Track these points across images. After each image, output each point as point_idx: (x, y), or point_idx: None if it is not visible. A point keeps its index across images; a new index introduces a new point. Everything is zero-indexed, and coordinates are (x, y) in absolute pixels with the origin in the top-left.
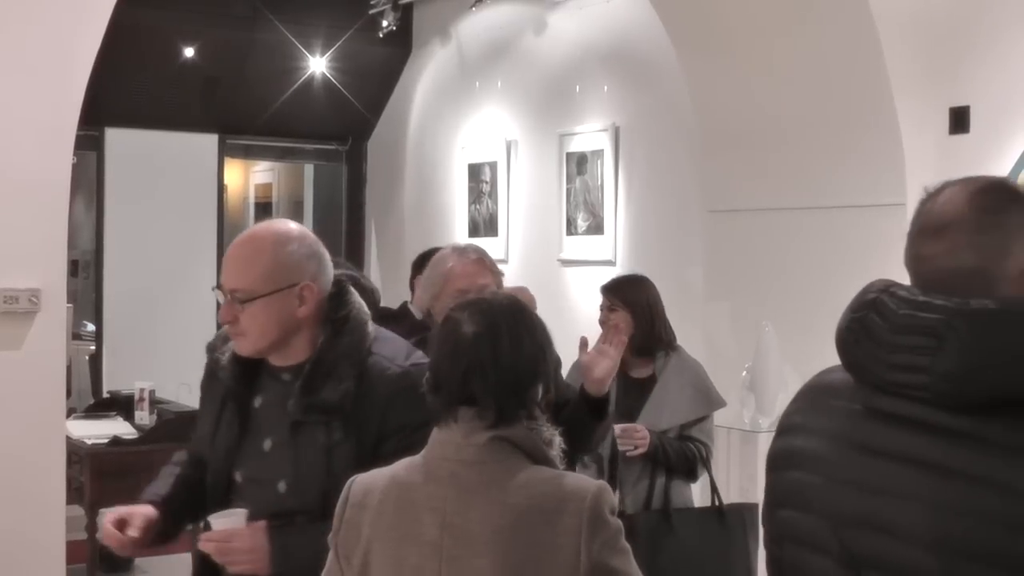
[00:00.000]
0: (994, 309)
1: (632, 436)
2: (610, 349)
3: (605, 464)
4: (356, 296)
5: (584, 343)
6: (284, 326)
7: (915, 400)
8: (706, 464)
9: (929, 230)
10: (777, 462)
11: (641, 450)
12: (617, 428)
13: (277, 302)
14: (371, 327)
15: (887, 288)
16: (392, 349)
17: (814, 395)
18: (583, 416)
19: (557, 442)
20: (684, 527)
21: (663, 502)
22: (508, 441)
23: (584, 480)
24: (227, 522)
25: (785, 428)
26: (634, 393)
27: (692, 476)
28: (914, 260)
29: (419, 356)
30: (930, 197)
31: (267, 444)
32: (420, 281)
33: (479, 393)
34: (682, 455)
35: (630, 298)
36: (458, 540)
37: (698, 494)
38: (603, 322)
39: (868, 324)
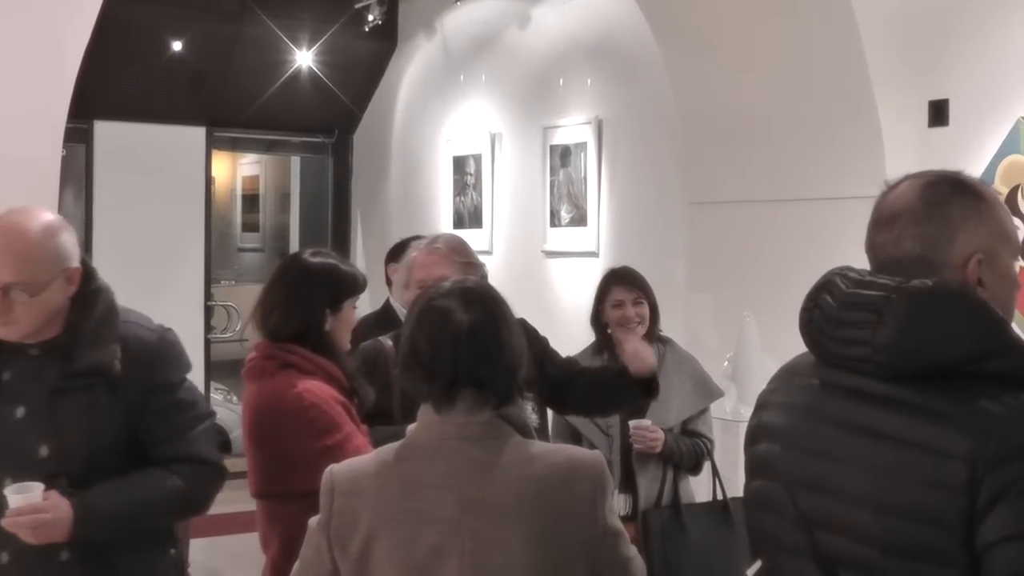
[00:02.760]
0: (929, 288)
1: (645, 435)
2: (633, 337)
3: (616, 467)
4: (96, 270)
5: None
6: (55, 309)
7: (859, 372)
8: (711, 458)
9: (882, 220)
10: (749, 438)
11: (655, 449)
12: (631, 424)
13: (55, 289)
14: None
15: (840, 271)
16: (141, 316)
17: (782, 375)
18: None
19: (534, 419)
20: (693, 522)
21: (672, 498)
22: (504, 419)
23: (584, 450)
24: (26, 497)
25: (757, 407)
26: None
27: (697, 471)
28: (870, 248)
29: (159, 323)
30: (889, 190)
31: (19, 412)
32: (393, 269)
33: (486, 378)
34: (692, 452)
35: (647, 290)
36: (480, 514)
37: (696, 487)
38: (628, 319)
39: (821, 303)
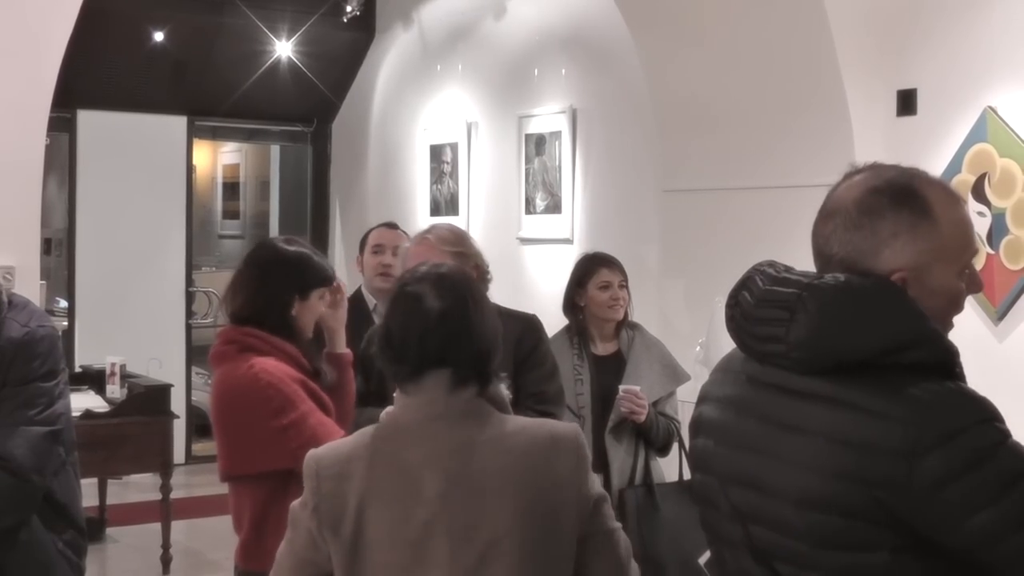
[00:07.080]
0: (842, 284)
1: (633, 400)
2: None
3: (588, 448)
4: None
5: None
6: None
7: (778, 367)
8: (680, 438)
9: (825, 211)
10: (691, 431)
11: (640, 417)
12: (621, 387)
13: None
14: (5, 294)
15: (760, 268)
16: (29, 312)
17: (720, 368)
18: None
19: (508, 395)
20: (666, 501)
21: (644, 477)
22: (484, 397)
23: (561, 423)
24: None
25: (699, 400)
26: (606, 372)
27: (665, 451)
28: (813, 234)
29: (45, 319)
30: (845, 178)
31: None
32: (363, 260)
33: (459, 361)
34: (666, 431)
35: (626, 275)
36: (468, 490)
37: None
38: (617, 299)
39: (740, 301)
